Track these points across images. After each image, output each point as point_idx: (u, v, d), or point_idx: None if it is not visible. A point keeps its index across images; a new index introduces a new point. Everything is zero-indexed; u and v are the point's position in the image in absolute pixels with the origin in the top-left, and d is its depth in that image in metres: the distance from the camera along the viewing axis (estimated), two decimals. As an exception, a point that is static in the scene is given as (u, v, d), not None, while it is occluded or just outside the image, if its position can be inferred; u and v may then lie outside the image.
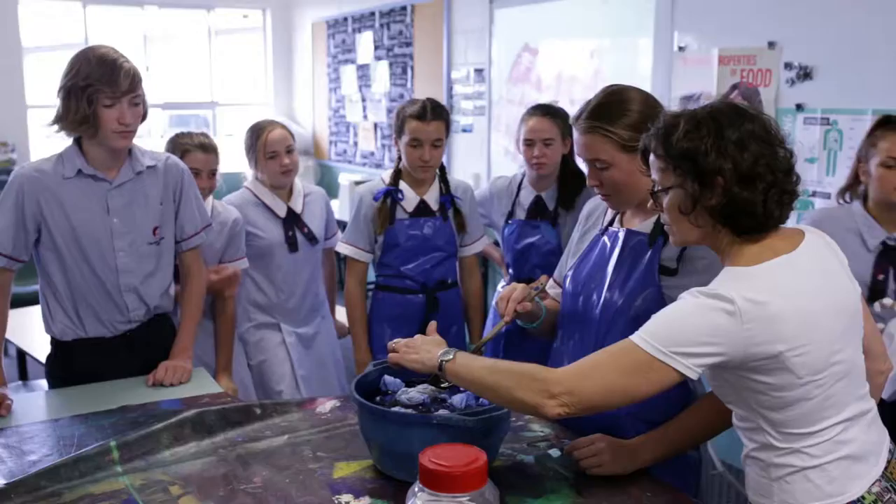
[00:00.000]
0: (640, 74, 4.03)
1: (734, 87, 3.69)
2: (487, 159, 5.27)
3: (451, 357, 1.67)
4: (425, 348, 1.74)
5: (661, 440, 1.78)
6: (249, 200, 3.13)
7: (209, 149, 2.95)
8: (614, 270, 1.90)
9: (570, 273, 2.03)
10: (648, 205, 1.67)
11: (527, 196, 3.07)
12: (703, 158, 1.52)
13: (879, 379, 1.70)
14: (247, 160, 3.18)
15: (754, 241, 1.56)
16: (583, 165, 1.98)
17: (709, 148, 1.52)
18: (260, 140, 3.08)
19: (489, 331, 2.07)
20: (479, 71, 5.29)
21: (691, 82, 3.87)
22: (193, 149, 2.89)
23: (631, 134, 1.82)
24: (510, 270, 3.10)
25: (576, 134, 1.90)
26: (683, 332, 1.50)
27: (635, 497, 1.68)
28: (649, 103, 1.88)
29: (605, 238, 1.98)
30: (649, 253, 1.85)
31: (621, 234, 1.93)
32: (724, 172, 1.51)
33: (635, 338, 1.53)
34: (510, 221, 3.08)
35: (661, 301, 1.79)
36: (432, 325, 1.88)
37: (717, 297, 1.48)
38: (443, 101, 5.43)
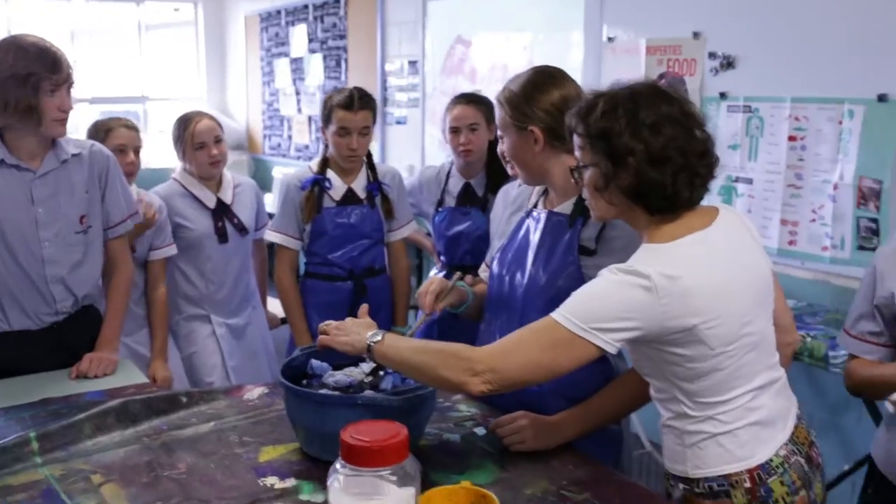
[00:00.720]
0: (571, 65, 4.07)
1: (661, 76, 3.77)
2: (422, 151, 5.29)
3: (379, 339, 1.69)
4: (355, 330, 1.75)
5: (583, 416, 1.82)
6: (177, 191, 3.09)
7: (132, 126, 2.94)
8: (536, 251, 1.93)
9: (496, 255, 2.06)
10: (570, 181, 1.71)
11: (456, 184, 3.10)
12: (616, 138, 1.56)
13: (788, 350, 1.77)
14: (175, 151, 3.14)
15: (670, 219, 1.60)
16: None
17: (623, 128, 1.56)
18: (187, 131, 3.05)
19: (418, 319, 2.09)
20: (412, 63, 5.30)
21: (620, 72, 3.91)
22: (117, 126, 2.88)
23: (515, 113, 1.88)
24: (442, 258, 3.12)
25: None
26: (602, 308, 1.54)
27: (557, 470, 1.72)
28: (566, 95, 1.90)
29: (529, 220, 2.01)
30: (569, 233, 1.89)
31: (543, 216, 1.96)
32: (636, 153, 1.55)
33: (556, 315, 1.56)
34: (440, 209, 3.11)
35: (581, 280, 1.82)
36: (364, 307, 1.89)
37: (635, 273, 1.52)
38: (377, 93, 5.44)
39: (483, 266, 2.17)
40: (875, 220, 3.02)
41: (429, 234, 3.44)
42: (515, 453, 1.78)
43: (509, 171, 2.02)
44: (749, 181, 3.44)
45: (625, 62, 3.91)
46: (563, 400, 1.86)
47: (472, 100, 3.02)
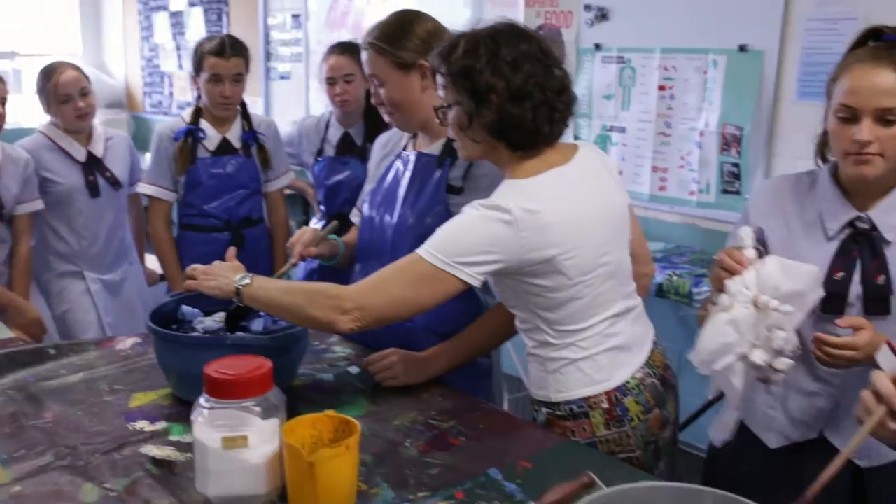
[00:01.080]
0: (452, 19, 4.10)
1: (539, 28, 3.83)
2: (306, 106, 5.22)
3: (248, 282, 1.69)
4: (223, 274, 1.74)
5: (453, 350, 1.87)
6: (44, 144, 2.98)
7: None
8: (406, 191, 1.96)
9: (367, 198, 2.08)
10: (435, 122, 1.74)
11: (335, 133, 3.09)
12: (478, 76, 1.59)
13: (644, 280, 1.86)
14: (40, 104, 3.01)
15: (531, 155, 1.65)
16: None
17: (484, 66, 1.59)
18: (50, 82, 2.93)
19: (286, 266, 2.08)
20: (295, 17, 5.21)
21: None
22: None
23: (406, 53, 1.88)
24: (321, 207, 3.12)
25: (362, 53, 1.94)
26: (465, 242, 1.58)
27: (426, 401, 1.77)
28: (434, 28, 1.93)
29: (399, 162, 2.04)
30: (438, 173, 1.92)
31: (412, 157, 1.99)
32: (498, 90, 1.59)
33: (420, 251, 1.60)
34: (320, 159, 3.10)
35: (448, 217, 1.86)
36: (231, 251, 1.88)
37: (496, 207, 1.57)
38: (259, 48, 5.33)
39: (355, 210, 2.19)
40: (737, 165, 3.18)
41: (311, 184, 3.42)
42: (387, 389, 1.82)
43: (387, 120, 2.02)
44: (622, 130, 3.56)
45: (504, 14, 3.95)
46: (435, 335, 1.90)
47: (346, 49, 3.00)
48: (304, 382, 1.86)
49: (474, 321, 1.90)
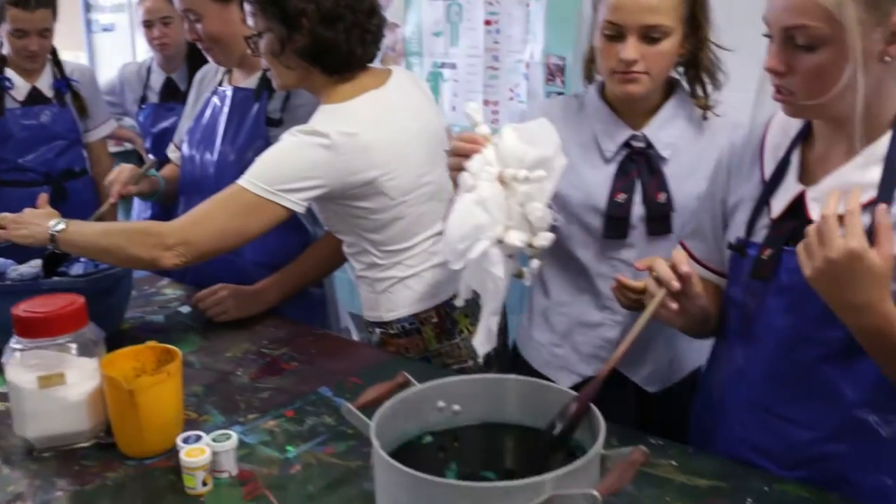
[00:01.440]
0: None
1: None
2: (133, 59, 4.99)
3: (63, 227, 1.63)
4: (35, 221, 1.67)
5: (283, 282, 1.89)
6: None
7: None
8: (225, 127, 1.94)
9: (186, 137, 2.05)
10: (249, 52, 1.72)
11: (157, 79, 2.99)
12: (287, 1, 1.59)
13: None
14: None
15: (345, 79, 1.67)
16: None
17: None
18: None
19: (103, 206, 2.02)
20: (114, -37, 4.95)
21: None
22: None
23: None
24: (150, 156, 3.02)
25: None
26: (285, 169, 1.59)
27: (258, 332, 1.79)
28: None
29: (215, 98, 2.01)
30: (256, 106, 1.91)
31: (229, 92, 1.97)
32: (308, 13, 1.59)
33: (241, 181, 1.59)
34: (143, 106, 3.00)
35: (270, 149, 1.86)
36: (42, 197, 1.80)
37: (314, 133, 1.58)
38: (78, -3, 5.05)
39: (171, 146, 2.14)
40: (562, 94, 3.30)
41: (139, 134, 3.31)
42: (219, 324, 1.82)
43: (209, 59, 1.98)
44: (453, 66, 3.61)
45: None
46: (265, 269, 1.91)
47: None
48: (133, 325, 1.83)
49: (304, 252, 1.92)
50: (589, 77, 1.61)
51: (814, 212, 1.20)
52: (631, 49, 1.43)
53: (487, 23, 3.45)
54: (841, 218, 1.06)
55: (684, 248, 1.44)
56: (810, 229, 1.09)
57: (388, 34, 3.78)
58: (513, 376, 1.18)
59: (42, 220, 1.66)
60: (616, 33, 1.44)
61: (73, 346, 1.33)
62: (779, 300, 1.22)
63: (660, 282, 1.24)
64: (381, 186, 1.63)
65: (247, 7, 1.66)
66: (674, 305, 1.24)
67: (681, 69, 1.58)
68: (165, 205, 2.10)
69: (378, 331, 1.77)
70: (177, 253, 1.58)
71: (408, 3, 3.67)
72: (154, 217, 2.75)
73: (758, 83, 1.29)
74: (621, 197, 1.53)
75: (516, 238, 1.23)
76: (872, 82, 1.11)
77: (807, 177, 1.24)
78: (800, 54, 1.12)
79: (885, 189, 1.14)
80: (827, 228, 1.06)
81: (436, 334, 1.74)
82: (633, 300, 1.43)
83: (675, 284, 1.22)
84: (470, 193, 1.24)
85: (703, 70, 1.55)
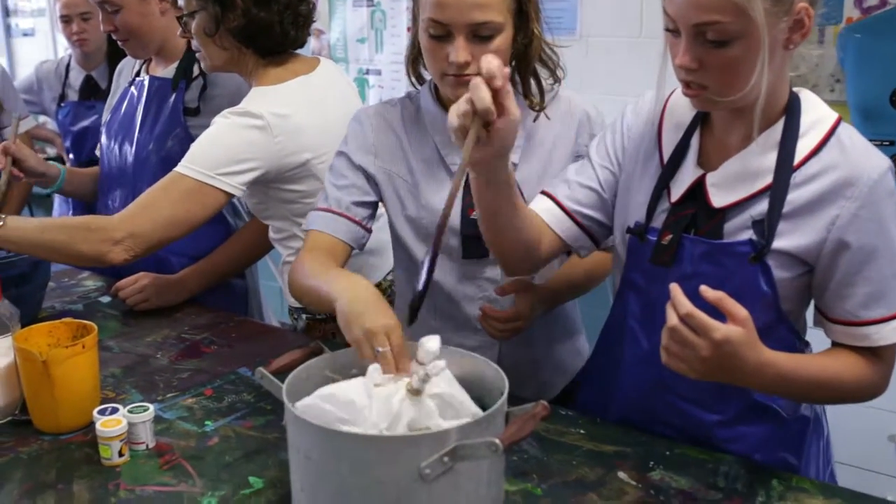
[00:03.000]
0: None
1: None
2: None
3: (0, 223, 1.57)
4: None
5: (205, 271, 1.90)
6: None
7: None
8: (142, 117, 1.95)
9: (104, 128, 2.05)
10: (178, 33, 1.73)
11: (77, 77, 2.95)
12: None
13: None
14: None
15: (277, 63, 1.71)
16: None
17: None
18: None
19: None
20: (33, -33, 4.87)
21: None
22: None
23: None
24: (70, 155, 2.99)
25: None
26: (222, 152, 1.61)
27: (179, 320, 1.80)
28: None
29: (133, 88, 2.02)
30: (173, 96, 1.93)
31: (146, 82, 1.98)
32: None
33: (180, 167, 1.61)
34: (63, 105, 2.96)
35: (189, 139, 1.87)
36: None
37: (247, 114, 1.61)
38: (-3, 2, 4.96)
39: (99, 146, 2.14)
40: (484, 100, 3.37)
41: (59, 134, 3.26)
42: (140, 312, 1.82)
43: (125, 51, 1.99)
44: (378, 72, 3.67)
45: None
46: (187, 259, 1.92)
47: None
48: (51, 314, 1.82)
49: (226, 240, 1.94)
50: (416, 77, 1.47)
51: (714, 198, 1.21)
52: (461, 51, 1.29)
53: (410, 29, 3.50)
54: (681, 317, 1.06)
55: (547, 195, 1.36)
56: (668, 341, 1.08)
57: (313, 40, 3.83)
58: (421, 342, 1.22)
59: None
60: (443, 33, 1.30)
61: (-15, 324, 1.33)
62: (683, 286, 1.17)
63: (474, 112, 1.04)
64: (314, 169, 1.67)
65: None
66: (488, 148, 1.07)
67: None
68: (89, 202, 2.08)
69: (304, 316, 1.80)
70: (125, 247, 1.57)
71: (332, 9, 3.72)
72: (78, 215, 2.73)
73: (659, 67, 1.24)
74: (475, 214, 1.32)
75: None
76: (776, 70, 1.13)
77: (706, 161, 1.24)
78: (711, 50, 1.10)
79: (780, 174, 1.17)
80: (684, 337, 1.06)
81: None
82: (501, 330, 1.41)
83: (498, 82, 1.02)
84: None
85: (538, 65, 1.42)
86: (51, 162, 1.99)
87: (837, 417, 2.31)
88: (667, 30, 1.15)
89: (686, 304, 1.06)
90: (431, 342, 1.08)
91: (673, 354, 1.10)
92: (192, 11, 1.66)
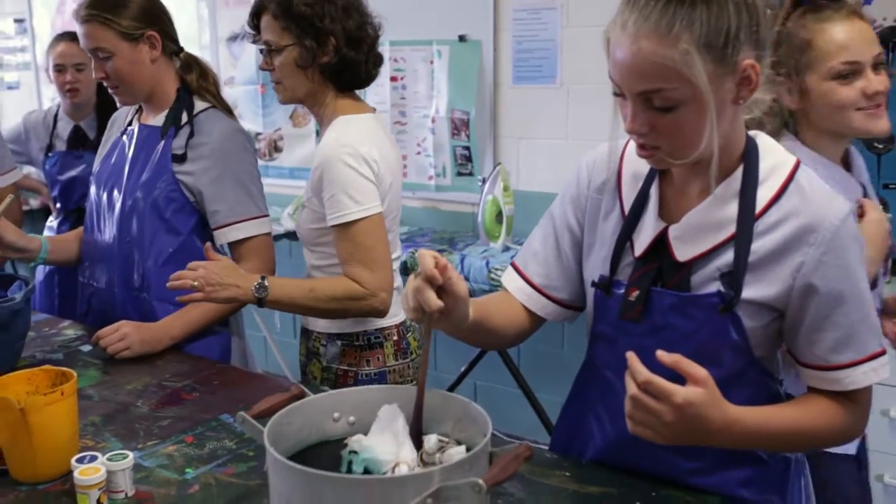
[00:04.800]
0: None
1: None
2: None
3: (266, 293, 1.72)
4: (235, 283, 1.70)
5: (186, 317, 1.89)
6: None
7: None
8: (131, 163, 1.96)
9: (93, 178, 2.06)
10: (260, 65, 1.84)
11: (65, 127, 2.98)
12: (318, 21, 1.73)
13: None
14: None
15: (351, 98, 1.84)
16: None
17: (323, 12, 1.73)
18: None
19: None
20: (19, 21, 4.92)
21: (233, 23, 4.03)
22: None
23: (131, 23, 1.88)
24: (58, 205, 2.99)
25: (78, 27, 1.91)
26: (362, 187, 1.74)
27: (160, 367, 1.78)
28: None
29: (124, 137, 2.03)
30: (162, 143, 1.94)
31: (136, 130, 2.00)
32: (336, 34, 1.74)
33: (343, 217, 1.73)
34: (50, 154, 2.97)
35: (175, 185, 1.89)
36: (208, 246, 1.75)
37: (357, 155, 1.73)
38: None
39: None
40: (468, 148, 3.42)
41: (45, 184, 3.26)
42: (121, 360, 1.81)
43: (116, 98, 2.00)
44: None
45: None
46: (169, 306, 1.91)
47: (76, 37, 2.89)
48: (31, 363, 1.80)
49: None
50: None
51: (678, 251, 1.20)
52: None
53: (394, 79, 3.56)
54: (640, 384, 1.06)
55: (518, 271, 1.39)
56: (631, 410, 1.08)
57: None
58: (403, 387, 1.23)
59: (242, 282, 1.71)
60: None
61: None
62: (654, 340, 1.18)
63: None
64: (384, 198, 1.78)
65: (272, 23, 1.77)
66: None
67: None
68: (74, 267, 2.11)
69: (339, 342, 1.86)
70: (381, 300, 1.75)
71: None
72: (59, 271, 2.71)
73: (612, 112, 1.17)
74: None
75: None
76: (727, 125, 1.13)
77: (666, 212, 1.24)
78: (659, 115, 1.10)
79: (743, 224, 1.16)
80: (646, 404, 1.06)
81: (394, 351, 1.86)
82: None
83: (440, 278, 1.09)
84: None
85: None
86: (32, 235, 2.00)
87: (824, 459, 2.30)
88: (615, 94, 1.15)
89: (643, 373, 1.06)
90: (429, 441, 1.11)
91: (638, 422, 1.09)
92: (284, 45, 1.76)
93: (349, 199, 1.72)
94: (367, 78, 1.84)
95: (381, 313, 1.78)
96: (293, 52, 1.76)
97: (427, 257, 1.08)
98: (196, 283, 1.66)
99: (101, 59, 1.90)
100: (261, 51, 1.84)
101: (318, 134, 1.95)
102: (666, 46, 1.06)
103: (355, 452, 1.09)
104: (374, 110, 1.87)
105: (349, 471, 1.07)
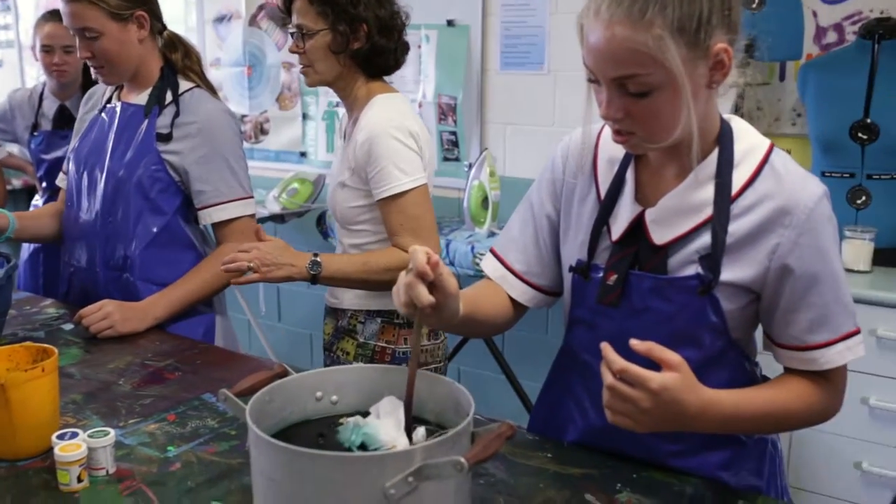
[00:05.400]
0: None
1: (261, 7, 3.88)
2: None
3: (319, 269, 1.73)
4: (290, 262, 1.71)
5: (169, 297, 1.88)
6: None
7: None
8: (114, 143, 1.94)
9: (71, 155, 2.04)
10: (290, 48, 1.84)
11: (50, 106, 2.96)
12: (353, 8, 1.76)
13: None
14: None
15: (380, 82, 1.87)
16: None
17: (358, 0, 1.77)
18: None
19: None
20: (3, -1, 4.87)
21: (220, 4, 4.00)
22: None
23: (120, 2, 1.86)
24: (44, 184, 2.97)
25: (62, 5, 1.88)
26: (411, 160, 1.78)
27: (143, 346, 1.78)
28: None
29: (104, 115, 2.01)
30: (146, 122, 1.92)
31: (118, 108, 1.98)
32: (369, 21, 1.76)
33: (392, 188, 1.75)
34: (36, 133, 2.95)
35: (160, 164, 1.88)
36: (258, 227, 1.79)
37: (403, 129, 1.78)
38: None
39: (60, 176, 2.13)
40: (454, 133, 3.41)
41: (31, 162, 3.24)
42: (103, 339, 1.80)
43: (99, 78, 1.98)
44: (349, 105, 3.68)
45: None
46: (153, 286, 1.91)
47: None
48: (13, 341, 1.79)
49: (192, 269, 1.93)
50: None
51: (655, 235, 1.21)
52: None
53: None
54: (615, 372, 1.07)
55: (499, 259, 1.40)
56: (609, 400, 1.09)
57: (284, 74, 3.85)
58: (385, 366, 1.22)
59: (296, 261, 1.72)
60: None
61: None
62: (633, 322, 1.21)
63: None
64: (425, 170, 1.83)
65: (305, 5, 1.79)
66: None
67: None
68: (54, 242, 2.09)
69: (379, 320, 1.88)
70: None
71: (305, 43, 3.73)
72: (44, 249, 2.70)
73: (584, 106, 1.18)
74: None
75: None
76: (702, 109, 1.14)
77: (642, 196, 1.24)
78: (634, 100, 1.11)
79: (720, 206, 1.17)
80: (622, 393, 1.07)
81: (429, 331, 1.89)
82: None
83: (431, 274, 1.09)
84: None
85: None
86: (0, 211, 1.99)
87: (803, 445, 2.34)
88: (589, 80, 1.15)
89: (618, 361, 1.06)
90: (418, 434, 1.11)
91: (616, 412, 1.10)
92: (317, 30, 1.77)
93: (399, 170, 1.75)
94: (395, 65, 1.88)
95: None
96: (326, 37, 1.78)
97: (419, 253, 1.08)
98: (252, 264, 1.66)
99: (88, 38, 1.87)
100: (291, 34, 1.84)
101: (347, 117, 1.93)
102: (639, 32, 1.06)
103: (357, 426, 1.09)
104: (397, 92, 1.91)
105: (347, 439, 1.08)
